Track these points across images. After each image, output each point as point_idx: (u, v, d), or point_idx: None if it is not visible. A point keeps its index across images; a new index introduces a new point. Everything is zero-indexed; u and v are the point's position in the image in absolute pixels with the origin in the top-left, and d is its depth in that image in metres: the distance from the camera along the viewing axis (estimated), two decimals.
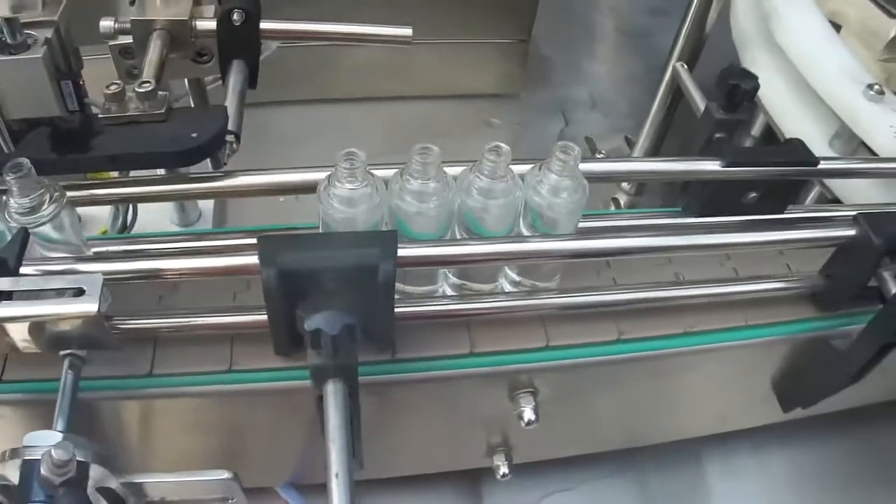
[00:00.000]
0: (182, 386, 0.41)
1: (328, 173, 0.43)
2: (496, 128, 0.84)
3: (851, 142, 0.61)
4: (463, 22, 0.81)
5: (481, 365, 0.48)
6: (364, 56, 0.80)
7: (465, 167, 0.46)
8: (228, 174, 0.49)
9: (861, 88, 0.60)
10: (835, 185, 0.63)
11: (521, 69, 0.87)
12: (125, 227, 0.62)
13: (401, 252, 0.42)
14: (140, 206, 0.67)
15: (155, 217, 0.68)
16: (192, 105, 0.58)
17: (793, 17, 0.64)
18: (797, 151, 0.53)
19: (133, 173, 0.52)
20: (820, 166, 0.52)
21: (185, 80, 0.58)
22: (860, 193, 0.61)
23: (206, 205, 0.71)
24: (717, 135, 0.56)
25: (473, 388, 0.50)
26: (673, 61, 0.70)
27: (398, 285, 0.47)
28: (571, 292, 0.49)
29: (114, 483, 0.41)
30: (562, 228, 0.46)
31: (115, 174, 0.52)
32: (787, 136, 0.66)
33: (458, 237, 0.47)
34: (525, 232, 0.47)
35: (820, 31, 0.63)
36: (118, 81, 0.42)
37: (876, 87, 0.60)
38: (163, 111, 0.42)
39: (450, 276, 0.49)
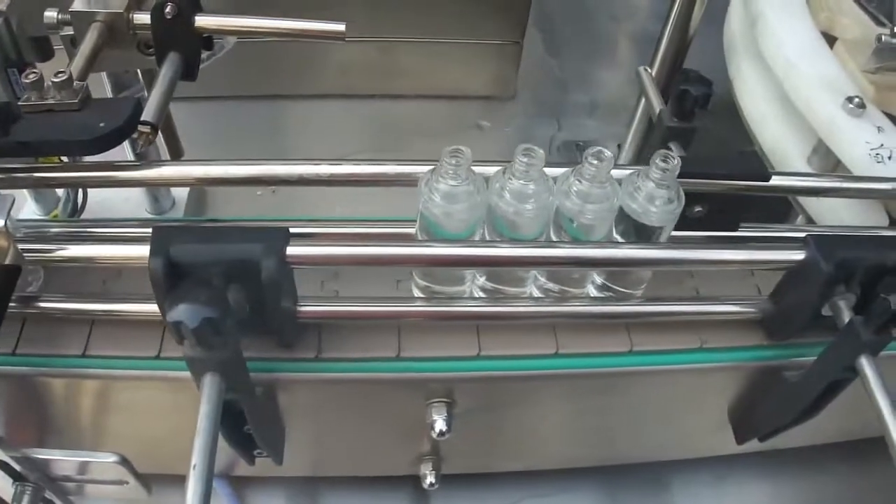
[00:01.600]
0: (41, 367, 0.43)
1: (429, 168, 0.43)
2: (485, 130, 0.82)
3: (829, 158, 0.57)
4: (454, 22, 0.79)
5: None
6: (355, 53, 0.80)
7: (565, 170, 0.45)
8: (183, 163, 0.50)
9: (840, 101, 0.56)
10: (809, 205, 0.58)
11: (515, 71, 0.85)
12: (75, 212, 0.64)
13: (294, 251, 0.41)
14: (116, 194, 0.69)
15: (129, 205, 0.70)
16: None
17: (777, 23, 0.60)
18: (746, 164, 0.50)
19: (88, 158, 0.54)
20: (772, 182, 0.49)
21: (139, 71, 0.60)
22: (834, 215, 0.57)
23: (181, 194, 0.72)
24: (670, 143, 0.54)
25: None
26: (656, 67, 0.67)
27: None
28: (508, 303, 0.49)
29: (3, 455, 0.42)
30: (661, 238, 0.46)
31: (65, 159, 0.53)
32: (766, 150, 0.62)
33: (556, 239, 0.47)
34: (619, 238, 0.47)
35: (804, 38, 0.59)
36: (36, 70, 0.43)
37: (856, 100, 0.56)
38: (76, 101, 0.43)
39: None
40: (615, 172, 0.44)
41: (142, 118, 0.46)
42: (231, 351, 0.40)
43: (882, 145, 0.54)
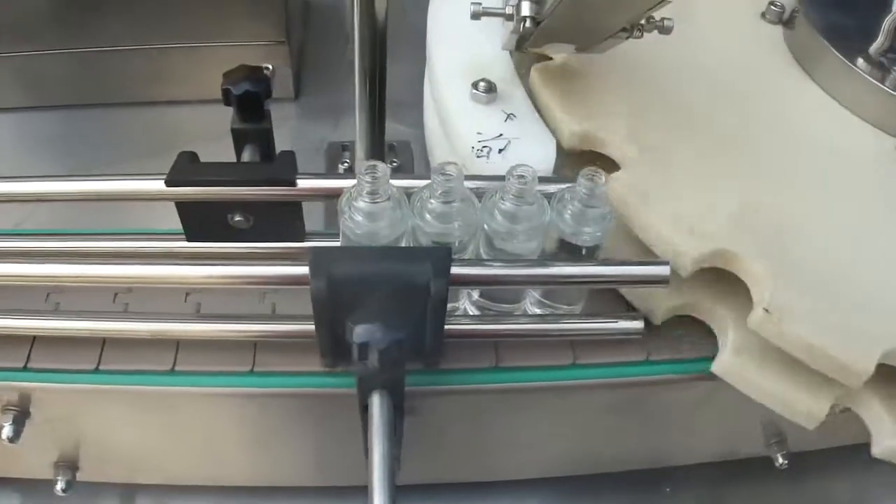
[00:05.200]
0: None
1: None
2: None
3: None
4: (216, 24, 0.76)
5: None
6: (125, 61, 0.78)
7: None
8: None
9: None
10: None
11: (289, 71, 0.80)
12: None
13: None
14: None
15: None
16: None
17: (431, 7, 0.52)
18: (275, 167, 0.44)
19: None
20: (299, 185, 0.42)
21: None
22: None
23: None
24: (246, 147, 0.48)
25: None
26: (357, 61, 0.60)
27: None
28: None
29: None
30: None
31: None
32: (431, 155, 0.54)
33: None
34: None
35: (452, 22, 0.51)
36: None
37: (482, 83, 0.47)
38: None
39: (474, 295, 0.47)
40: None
41: None
42: None
43: (501, 135, 0.46)
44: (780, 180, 0.48)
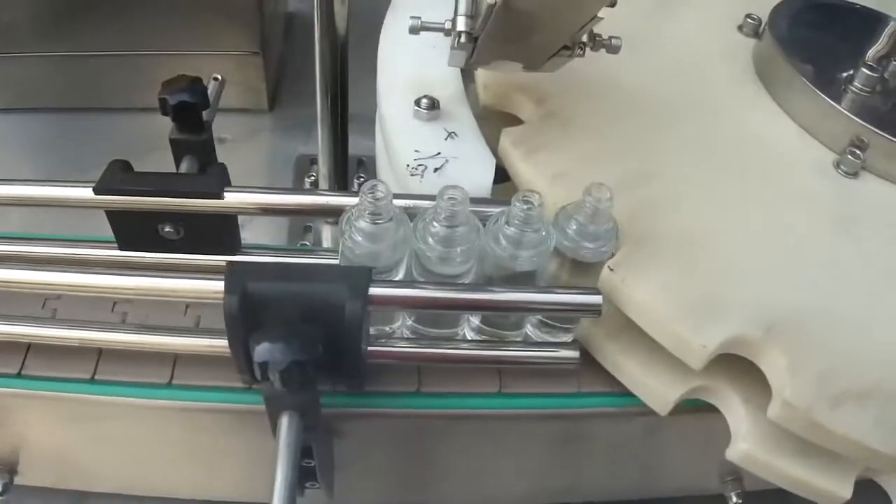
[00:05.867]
0: None
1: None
2: (226, 144, 0.78)
3: None
4: (193, 34, 0.76)
5: None
6: (105, 66, 0.79)
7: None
8: None
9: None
10: None
11: (263, 83, 0.80)
12: None
13: None
14: None
15: None
16: None
17: (385, 27, 0.52)
18: (203, 179, 0.43)
19: None
20: (227, 199, 0.42)
21: None
22: None
23: None
24: (184, 158, 0.47)
25: None
26: (318, 76, 0.60)
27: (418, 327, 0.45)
28: None
29: None
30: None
31: None
32: (378, 173, 0.53)
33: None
34: None
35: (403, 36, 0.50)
36: None
37: (425, 100, 0.46)
38: None
39: (472, 320, 0.46)
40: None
41: None
42: None
43: (439, 153, 0.45)
44: (689, 163, 0.48)
